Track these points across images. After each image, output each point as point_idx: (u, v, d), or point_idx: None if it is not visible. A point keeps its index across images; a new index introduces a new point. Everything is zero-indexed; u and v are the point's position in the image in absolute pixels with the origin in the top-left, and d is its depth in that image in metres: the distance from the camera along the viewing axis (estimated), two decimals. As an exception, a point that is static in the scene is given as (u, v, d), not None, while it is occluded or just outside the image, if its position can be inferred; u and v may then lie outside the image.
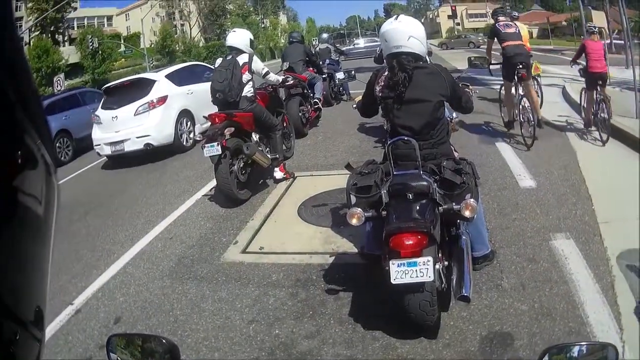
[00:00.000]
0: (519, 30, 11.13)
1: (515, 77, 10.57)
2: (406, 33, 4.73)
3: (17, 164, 0.76)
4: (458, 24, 51.60)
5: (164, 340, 1.68)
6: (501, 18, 11.40)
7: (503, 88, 11.61)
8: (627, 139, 10.12)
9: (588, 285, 5.04)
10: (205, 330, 4.93)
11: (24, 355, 0.75)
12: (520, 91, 10.66)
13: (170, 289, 5.86)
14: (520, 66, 10.55)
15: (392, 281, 3.92)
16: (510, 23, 11.25)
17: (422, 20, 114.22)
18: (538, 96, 12.20)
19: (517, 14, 14.08)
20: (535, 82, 12.54)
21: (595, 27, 12.51)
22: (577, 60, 11.57)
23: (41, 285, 0.79)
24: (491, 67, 11.26)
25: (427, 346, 4.30)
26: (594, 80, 10.71)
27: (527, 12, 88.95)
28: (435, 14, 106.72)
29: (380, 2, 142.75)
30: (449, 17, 69.79)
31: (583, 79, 11.35)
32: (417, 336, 4.37)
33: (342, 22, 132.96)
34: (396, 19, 4.93)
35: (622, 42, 23.19)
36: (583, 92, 11.40)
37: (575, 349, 1.77)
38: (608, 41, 31.67)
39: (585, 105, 11.27)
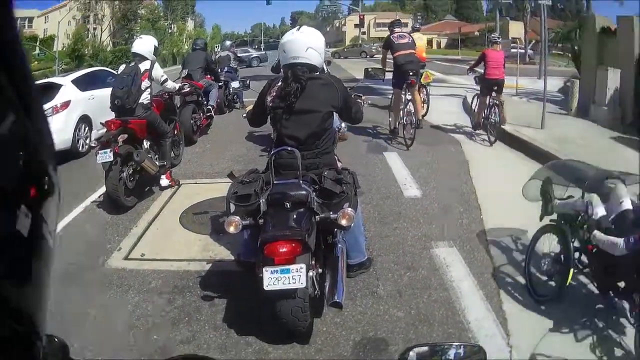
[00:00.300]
0: (412, 40, 12.09)
1: (405, 84, 11.34)
2: (305, 44, 4.84)
3: (45, 190, 0.77)
4: (364, 33, 52.35)
5: (56, 339, 1.63)
6: (396, 30, 12.30)
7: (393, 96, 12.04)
8: (531, 150, 10.54)
9: (472, 293, 5.20)
10: (91, 335, 4.85)
11: (25, 355, 0.76)
12: (408, 97, 11.52)
13: (59, 293, 5.69)
14: (411, 73, 11.38)
15: (265, 287, 3.96)
16: (404, 34, 12.22)
17: (328, 29, 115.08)
18: (424, 102, 13.34)
19: (419, 26, 15.62)
20: (424, 89, 13.99)
21: (498, 37, 13.38)
22: (475, 69, 12.90)
23: (42, 291, 0.79)
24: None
25: (299, 351, 4.37)
26: (490, 86, 11.74)
27: (439, 22, 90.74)
28: (343, 22, 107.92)
29: (288, 10, 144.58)
30: (356, 25, 70.61)
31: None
32: (290, 341, 4.42)
33: (247, 30, 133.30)
34: (298, 29, 5.04)
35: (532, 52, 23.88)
36: (475, 98, 12.46)
37: (442, 349, 1.79)
38: (523, 51, 32.81)
39: (476, 110, 12.30)
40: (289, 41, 4.88)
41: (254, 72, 22.49)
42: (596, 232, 4.43)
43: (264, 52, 54.23)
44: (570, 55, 22.78)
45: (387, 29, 13.81)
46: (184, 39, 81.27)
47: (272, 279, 3.95)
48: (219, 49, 22.32)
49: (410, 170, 9.41)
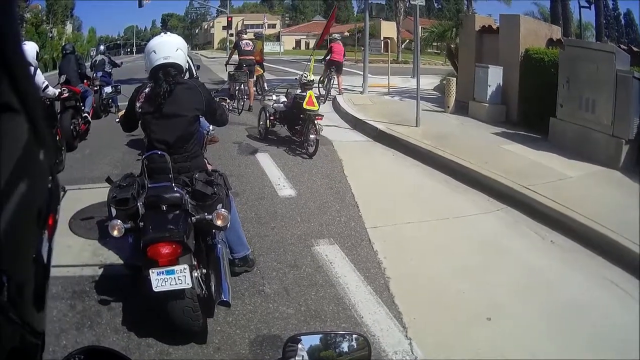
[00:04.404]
0: (254, 47, 17.22)
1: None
2: (175, 45, 5.00)
3: (56, 221, 0.85)
4: (232, 34, 51.90)
5: None
6: (243, 36, 17.63)
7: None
8: (405, 147, 10.92)
9: (359, 288, 5.40)
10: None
11: (25, 355, 0.82)
12: (243, 87, 16.21)
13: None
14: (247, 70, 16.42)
15: (154, 289, 4.08)
16: (249, 42, 17.28)
17: (197, 31, 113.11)
18: (256, 92, 17.90)
19: (262, 33, 23.00)
20: (261, 80, 18.64)
21: (339, 35, 22.10)
22: (327, 58, 19.15)
23: (41, 294, 0.88)
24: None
25: (198, 351, 4.49)
26: (333, 65, 18.93)
27: (308, 23, 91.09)
28: (211, 24, 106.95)
29: (159, 12, 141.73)
30: (224, 27, 69.86)
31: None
32: (188, 341, 4.53)
33: (120, 32, 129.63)
34: (165, 33, 5.25)
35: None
36: (328, 73, 19.06)
37: (322, 338, 1.89)
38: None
39: (326, 80, 19.11)
40: (160, 42, 5.02)
41: (128, 75, 22.01)
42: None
43: None
44: (446, 53, 23.52)
45: (254, 30, 16.96)
46: (64, 43, 78.69)
47: (159, 280, 4.07)
48: (94, 53, 21.90)
49: (283, 171, 9.63)
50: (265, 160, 10.48)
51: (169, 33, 5.33)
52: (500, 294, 5.36)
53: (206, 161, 5.38)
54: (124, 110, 5.59)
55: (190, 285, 4.14)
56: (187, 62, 5.56)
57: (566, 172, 8.83)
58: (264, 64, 19.69)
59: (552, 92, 10.98)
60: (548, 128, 11.15)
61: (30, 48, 8.67)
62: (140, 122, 5.04)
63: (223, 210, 4.48)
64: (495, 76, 13.35)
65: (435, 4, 65.30)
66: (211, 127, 7.28)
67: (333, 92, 18.79)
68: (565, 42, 12.31)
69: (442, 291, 5.44)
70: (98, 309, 5.21)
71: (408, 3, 31.39)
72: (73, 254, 6.52)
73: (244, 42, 17.13)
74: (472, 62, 14.70)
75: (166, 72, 4.81)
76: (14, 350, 0.76)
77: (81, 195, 8.65)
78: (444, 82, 16.72)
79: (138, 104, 4.92)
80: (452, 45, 19.33)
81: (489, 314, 5.00)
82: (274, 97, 12.49)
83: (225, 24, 61.33)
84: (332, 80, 19.08)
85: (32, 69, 8.27)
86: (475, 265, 5.98)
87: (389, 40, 26.58)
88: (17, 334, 0.78)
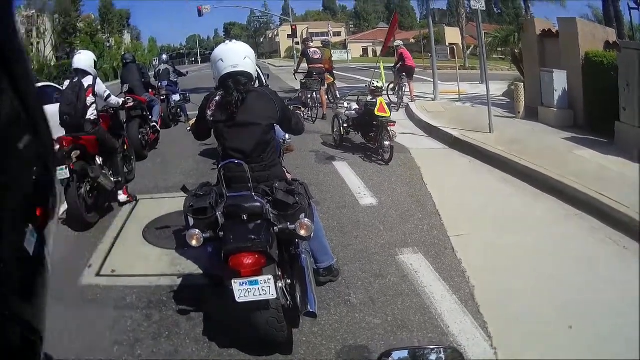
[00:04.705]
0: (322, 55, 16.94)
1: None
2: (243, 53, 4.87)
3: (49, 212, 0.82)
4: (298, 43, 52.15)
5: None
6: (310, 45, 17.47)
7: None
8: (481, 154, 10.71)
9: (444, 297, 5.27)
10: (73, 351, 4.77)
11: (25, 355, 0.81)
12: (315, 95, 16.19)
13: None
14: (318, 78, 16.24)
15: (237, 299, 4.00)
16: (317, 50, 17.02)
17: (262, 40, 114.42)
18: (328, 100, 17.98)
19: (328, 41, 22.85)
20: (332, 88, 18.84)
21: (401, 42, 21.48)
22: (399, 65, 18.88)
23: (43, 305, 0.86)
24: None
25: None
26: (404, 71, 18.62)
27: (373, 30, 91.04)
28: (275, 33, 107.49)
29: (220, 21, 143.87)
30: (289, 36, 70.30)
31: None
32: (272, 352, 4.44)
33: (182, 42, 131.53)
34: (230, 41, 5.13)
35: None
36: (399, 80, 18.87)
37: (422, 354, 1.86)
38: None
39: (397, 88, 18.94)
40: (227, 50, 4.90)
41: (194, 84, 22.32)
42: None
43: None
44: (510, 58, 23.13)
45: (319, 38, 16.94)
46: (123, 52, 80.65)
47: (243, 291, 3.98)
48: (156, 62, 22.17)
49: (363, 179, 9.53)
50: (344, 168, 10.42)
51: (234, 41, 5.23)
52: (579, 301, 5.19)
53: (285, 170, 5.28)
54: (194, 119, 5.53)
55: (275, 296, 4.06)
56: (256, 70, 5.44)
57: (635, 176, 8.45)
58: (334, 72, 19.57)
59: (615, 95, 10.63)
60: (614, 132, 10.78)
61: (87, 57, 8.63)
62: (213, 130, 4.97)
63: (306, 220, 4.37)
64: (560, 80, 13.06)
65: (495, 9, 64.66)
66: (287, 136, 7.15)
67: (405, 100, 18.53)
68: (621, 44, 11.89)
69: (523, 299, 5.29)
70: (176, 319, 5.19)
71: (469, 8, 31.08)
72: (150, 264, 6.58)
73: (311, 50, 16.87)
74: (536, 67, 14.46)
75: (236, 81, 4.71)
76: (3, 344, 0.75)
77: (154, 205, 8.77)
78: (512, 87, 16.50)
79: (209, 112, 4.85)
80: (516, 50, 19.04)
81: (570, 321, 4.83)
82: (346, 105, 12.55)
83: (290, 33, 61.81)
84: (403, 88, 18.73)
85: (92, 77, 8.35)
86: (555, 272, 5.83)
87: (454, 47, 26.34)
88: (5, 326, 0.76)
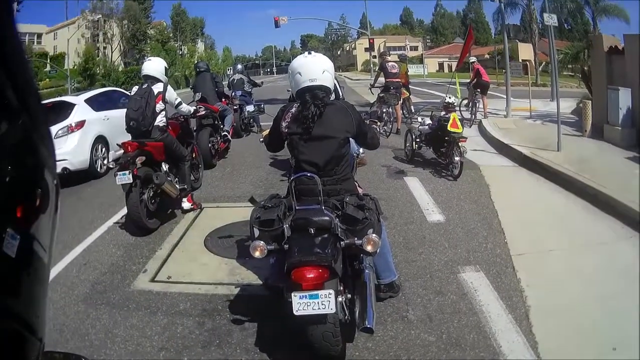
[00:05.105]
0: (399, 69, 16.85)
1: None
2: (321, 67, 4.81)
3: (35, 208, 0.79)
4: (375, 56, 52.16)
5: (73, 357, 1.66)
6: (388, 58, 17.24)
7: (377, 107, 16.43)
8: (549, 173, 10.52)
9: (500, 317, 5.18)
10: (119, 356, 4.85)
11: (26, 355, 0.80)
12: (391, 109, 16.37)
13: (84, 314, 5.72)
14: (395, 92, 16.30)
15: (295, 312, 3.95)
16: (395, 64, 16.89)
17: (339, 52, 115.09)
18: (403, 114, 18.08)
19: (405, 56, 21.46)
20: (407, 103, 19.08)
21: (475, 58, 21.62)
22: (474, 80, 18.90)
23: (37, 302, 0.83)
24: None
25: None
26: (479, 87, 18.69)
27: (449, 45, 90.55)
28: (353, 46, 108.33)
29: (297, 33, 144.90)
30: (366, 49, 70.24)
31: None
32: None
33: (257, 52, 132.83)
34: (309, 53, 5.02)
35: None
36: (473, 96, 18.94)
37: None
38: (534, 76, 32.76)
39: (471, 104, 18.94)
40: (305, 63, 4.84)
41: (269, 95, 22.52)
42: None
43: None
44: (580, 75, 22.73)
45: (396, 52, 16.63)
46: (196, 61, 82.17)
47: (302, 304, 3.94)
48: (231, 72, 22.37)
49: (432, 195, 9.46)
50: (414, 183, 10.40)
51: (313, 53, 5.10)
52: (630, 323, 4.99)
53: (357, 184, 5.22)
54: (267, 130, 5.49)
55: (333, 311, 4.00)
56: (334, 82, 5.35)
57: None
58: (409, 86, 19.58)
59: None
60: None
61: (158, 64, 8.72)
62: (286, 142, 4.95)
63: (374, 235, 4.29)
64: (625, 98, 12.76)
65: (565, 24, 63.53)
66: (361, 150, 7.10)
67: (478, 116, 18.48)
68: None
69: (577, 320, 5.17)
70: (229, 328, 5.19)
71: (541, 24, 30.73)
72: (208, 272, 6.61)
73: (389, 64, 16.68)
74: (604, 84, 14.15)
75: (314, 95, 4.69)
76: None
77: (219, 214, 8.82)
78: (580, 105, 16.08)
79: (284, 124, 4.83)
80: (585, 67, 18.70)
81: (616, 343, 4.69)
82: (420, 120, 12.57)
83: (367, 46, 61.89)
84: (477, 104, 18.81)
85: (162, 84, 8.44)
86: (612, 294, 5.66)
87: (527, 63, 25.99)
88: None
